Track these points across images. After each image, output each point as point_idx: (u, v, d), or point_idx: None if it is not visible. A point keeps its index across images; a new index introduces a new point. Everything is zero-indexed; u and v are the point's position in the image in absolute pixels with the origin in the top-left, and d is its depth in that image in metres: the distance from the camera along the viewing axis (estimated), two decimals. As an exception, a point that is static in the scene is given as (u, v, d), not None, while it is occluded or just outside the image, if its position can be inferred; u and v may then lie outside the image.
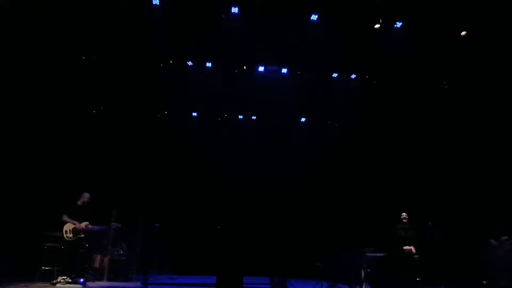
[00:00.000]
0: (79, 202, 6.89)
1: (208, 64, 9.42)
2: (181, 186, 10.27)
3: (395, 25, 8.22)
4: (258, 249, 9.42)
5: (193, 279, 8.42)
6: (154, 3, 7.98)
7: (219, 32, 8.37)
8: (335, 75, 9.66)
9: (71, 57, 8.83)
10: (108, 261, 7.62)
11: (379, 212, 9.47)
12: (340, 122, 10.85)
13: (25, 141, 8.17)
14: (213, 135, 10.51)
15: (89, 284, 6.68)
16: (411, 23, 8.19)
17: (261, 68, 9.54)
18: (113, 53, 8.96)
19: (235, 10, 8.10)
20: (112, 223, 7.60)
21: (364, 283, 6.49)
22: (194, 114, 10.53)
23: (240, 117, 10.65)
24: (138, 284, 7.19)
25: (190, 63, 9.43)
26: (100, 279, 7.41)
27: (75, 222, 6.65)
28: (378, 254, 6.68)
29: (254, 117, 10.67)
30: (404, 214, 7.35)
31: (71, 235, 6.62)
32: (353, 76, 9.71)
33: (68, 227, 6.65)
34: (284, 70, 9.63)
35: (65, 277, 6.30)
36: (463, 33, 8.28)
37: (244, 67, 9.56)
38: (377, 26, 8.17)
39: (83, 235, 6.71)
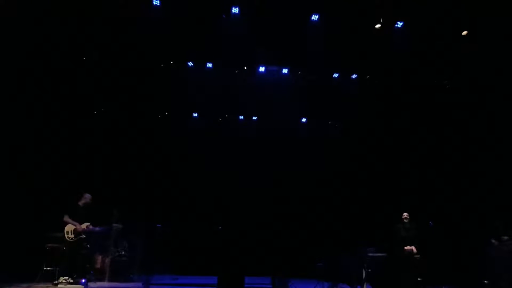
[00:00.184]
0: (81, 203, 6.89)
1: (209, 65, 9.41)
2: (182, 187, 10.28)
3: (396, 25, 8.20)
4: (260, 249, 9.42)
5: (194, 279, 8.43)
6: (154, 3, 7.98)
7: (219, 32, 8.37)
8: (335, 75, 9.65)
9: (71, 57, 8.82)
10: (110, 261, 7.62)
11: (380, 212, 9.46)
12: (340, 122, 10.84)
13: (26, 141, 8.18)
14: (213, 135, 10.51)
15: (91, 284, 6.68)
16: (411, 23, 8.17)
17: (261, 69, 9.53)
18: (113, 53, 8.95)
19: (235, 10, 8.10)
20: (114, 224, 7.62)
21: (365, 283, 6.50)
22: (195, 114, 10.52)
23: (241, 117, 10.65)
24: (140, 284, 7.20)
25: (190, 63, 9.42)
26: (102, 280, 7.41)
27: (76, 223, 6.66)
28: (379, 254, 6.68)
29: (254, 118, 10.66)
30: (405, 214, 7.34)
31: (72, 236, 6.62)
32: (354, 76, 9.70)
33: (69, 227, 6.65)
34: (285, 70, 9.61)
35: (67, 277, 6.30)
36: (464, 32, 8.26)
37: (245, 67, 9.55)
38: (378, 26, 8.16)
39: (84, 236, 6.72)
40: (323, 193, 10.44)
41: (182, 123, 10.50)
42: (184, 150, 10.38)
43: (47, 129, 8.65)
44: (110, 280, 7.45)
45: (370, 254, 6.57)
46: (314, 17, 8.18)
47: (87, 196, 6.97)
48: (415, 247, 6.96)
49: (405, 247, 6.95)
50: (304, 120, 10.76)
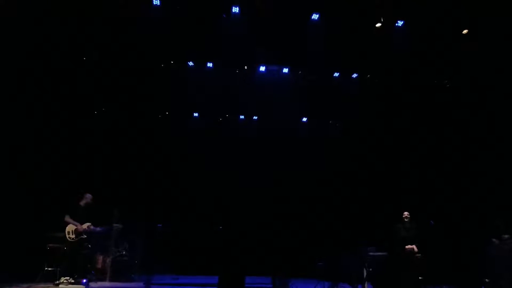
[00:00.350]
0: (81, 203, 6.90)
1: (209, 64, 9.41)
2: (182, 187, 10.28)
3: (396, 24, 8.21)
4: (260, 249, 9.43)
5: (195, 279, 8.43)
6: (154, 3, 7.97)
7: (219, 32, 8.37)
8: (336, 74, 9.65)
9: (71, 57, 8.82)
10: (111, 261, 7.63)
11: (381, 211, 9.47)
12: (341, 122, 10.85)
13: (26, 141, 8.18)
14: (213, 135, 10.51)
15: (92, 284, 6.68)
16: (411, 22, 8.18)
17: (262, 68, 9.53)
18: (113, 53, 8.95)
19: (235, 9, 8.10)
20: (114, 224, 7.62)
21: (366, 283, 6.51)
22: (195, 114, 10.52)
23: (241, 117, 10.65)
24: (141, 284, 7.20)
25: (190, 63, 9.42)
26: (103, 280, 7.42)
27: (76, 223, 6.66)
28: (380, 254, 6.69)
29: (255, 117, 10.67)
30: (406, 213, 7.35)
31: (73, 236, 6.63)
32: (354, 75, 9.70)
33: (70, 228, 6.66)
34: (285, 70, 9.62)
35: (68, 277, 6.30)
36: (465, 31, 8.27)
37: (245, 67, 9.55)
38: (378, 25, 8.16)
39: (85, 236, 6.72)
40: (323, 193, 10.44)
41: (182, 123, 10.50)
42: (184, 150, 10.38)
43: (47, 129, 8.64)
44: (111, 280, 7.46)
45: (371, 254, 6.58)
46: (314, 17, 8.18)
47: (88, 196, 6.97)
48: (416, 246, 6.96)
49: (406, 247, 6.96)
50: (304, 119, 10.76)
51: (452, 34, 8.40)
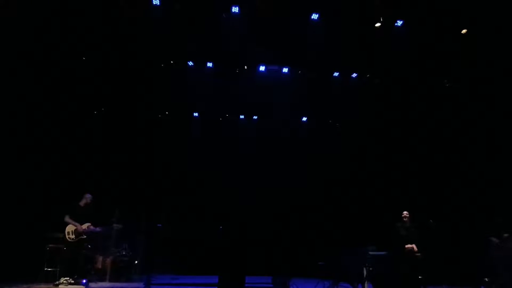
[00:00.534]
0: (81, 203, 6.90)
1: (209, 64, 9.42)
2: (183, 186, 10.28)
3: (396, 24, 8.22)
4: (260, 249, 9.43)
5: (195, 279, 8.43)
6: (154, 3, 7.97)
7: (219, 32, 8.37)
8: (336, 74, 9.66)
9: (71, 58, 8.81)
10: (111, 262, 7.63)
11: (381, 210, 9.47)
12: (340, 121, 10.85)
13: (26, 141, 8.17)
14: (214, 135, 10.51)
15: (92, 285, 6.69)
16: (412, 22, 8.19)
17: (261, 68, 9.54)
18: (113, 53, 8.94)
19: (235, 9, 8.10)
20: (114, 224, 7.62)
21: (366, 282, 6.50)
22: (195, 114, 10.53)
23: (241, 116, 10.65)
24: (141, 284, 7.18)
25: (190, 63, 9.42)
26: (103, 280, 7.42)
27: (76, 223, 6.66)
28: (380, 253, 6.68)
29: (255, 117, 10.67)
30: (405, 212, 7.35)
31: (73, 236, 6.62)
32: (354, 75, 9.71)
33: (70, 228, 6.66)
34: (285, 70, 9.62)
35: (68, 278, 6.30)
36: (464, 31, 8.28)
37: (245, 67, 9.56)
38: (377, 24, 8.17)
39: (85, 236, 6.72)
40: (324, 193, 10.44)
41: (182, 123, 10.50)
42: (184, 150, 10.38)
43: (47, 129, 8.64)
44: (111, 280, 7.46)
45: (371, 253, 6.57)
46: (314, 16, 8.19)
47: (88, 197, 6.97)
48: (416, 245, 6.97)
49: (406, 246, 6.96)
50: (304, 119, 10.76)
51: (452, 34, 8.40)
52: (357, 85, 9.82)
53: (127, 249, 8.04)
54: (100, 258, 7.63)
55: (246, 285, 6.25)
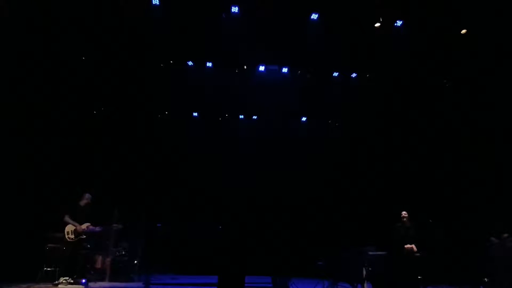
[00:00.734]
0: (81, 203, 6.90)
1: (209, 64, 9.41)
2: (182, 186, 10.27)
3: (395, 24, 8.22)
4: (260, 248, 9.42)
5: (195, 279, 8.43)
6: (154, 2, 7.97)
7: (219, 32, 8.37)
8: (335, 74, 9.66)
9: (71, 57, 8.82)
10: (110, 261, 7.62)
11: (380, 210, 9.47)
12: (340, 121, 10.85)
13: (26, 141, 8.18)
14: (214, 135, 10.51)
15: (91, 284, 6.69)
16: (411, 22, 8.19)
17: (261, 68, 9.54)
18: (113, 53, 8.95)
19: (235, 9, 8.10)
20: (114, 224, 7.61)
21: (365, 282, 6.49)
22: (195, 114, 10.52)
23: (241, 116, 10.65)
24: (140, 284, 7.19)
25: (190, 63, 9.42)
26: (102, 280, 7.42)
27: (76, 223, 6.66)
28: (380, 253, 6.68)
29: (254, 117, 10.66)
30: (403, 212, 7.35)
31: (72, 236, 6.63)
32: (354, 75, 9.71)
33: (69, 228, 6.66)
34: (285, 70, 9.62)
35: (67, 278, 6.31)
36: (464, 31, 8.28)
37: (245, 67, 9.56)
38: (377, 24, 8.17)
39: (84, 236, 6.72)
40: (323, 193, 10.44)
41: (182, 123, 10.50)
42: (184, 150, 10.38)
43: (47, 129, 8.64)
44: (110, 280, 7.46)
45: (371, 253, 6.56)
46: (314, 16, 8.19)
47: (88, 196, 6.98)
48: (415, 245, 6.96)
49: (405, 246, 6.96)
50: (304, 119, 10.76)
51: (452, 34, 8.40)
52: (357, 85, 9.81)
53: (126, 248, 8.04)
54: (100, 258, 7.62)
55: (246, 285, 6.23)
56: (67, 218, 6.66)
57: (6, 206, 7.44)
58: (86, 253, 6.97)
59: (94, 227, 6.83)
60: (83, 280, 6.33)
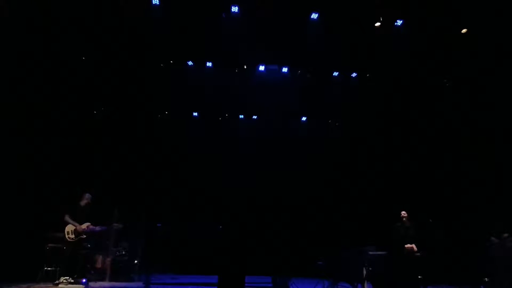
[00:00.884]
0: (81, 203, 6.90)
1: (209, 64, 9.42)
2: (182, 186, 10.28)
3: (395, 23, 8.22)
4: (260, 248, 9.42)
5: (195, 279, 8.43)
6: (153, 2, 7.98)
7: (219, 32, 8.37)
8: (335, 73, 9.66)
9: (71, 57, 8.82)
10: (110, 261, 7.63)
11: (380, 210, 9.47)
12: (340, 121, 10.85)
13: (26, 141, 8.18)
14: (214, 135, 10.51)
15: (91, 284, 6.69)
16: (411, 22, 8.19)
17: (261, 68, 9.54)
18: (113, 53, 8.95)
19: (235, 9, 8.10)
20: (114, 224, 7.62)
21: (365, 282, 6.49)
22: (195, 114, 10.53)
23: (241, 116, 10.65)
24: (140, 284, 7.19)
25: (190, 63, 9.42)
26: (102, 280, 7.42)
27: (76, 223, 6.66)
28: (380, 253, 6.68)
29: (254, 117, 10.67)
30: (403, 212, 7.34)
31: (73, 236, 6.63)
32: (354, 74, 9.71)
33: (70, 228, 6.66)
34: (285, 69, 9.62)
35: (67, 277, 6.30)
36: (464, 30, 8.28)
37: (245, 67, 9.56)
38: (377, 24, 8.18)
39: (85, 236, 6.72)
40: (323, 193, 10.44)
41: (182, 123, 10.50)
42: (184, 150, 10.38)
43: (47, 129, 8.64)
44: (110, 280, 7.46)
45: (371, 253, 6.57)
46: (314, 16, 8.19)
47: (88, 196, 6.97)
48: (415, 245, 6.96)
49: (405, 246, 6.95)
50: (304, 119, 10.76)
51: (452, 34, 8.41)
52: (357, 85, 9.81)
53: (126, 248, 8.04)
54: (100, 258, 7.63)
55: (246, 285, 6.24)
56: (67, 218, 6.66)
57: (6, 206, 7.44)
58: (86, 253, 6.97)
59: (94, 227, 6.83)
60: (84, 280, 6.33)
